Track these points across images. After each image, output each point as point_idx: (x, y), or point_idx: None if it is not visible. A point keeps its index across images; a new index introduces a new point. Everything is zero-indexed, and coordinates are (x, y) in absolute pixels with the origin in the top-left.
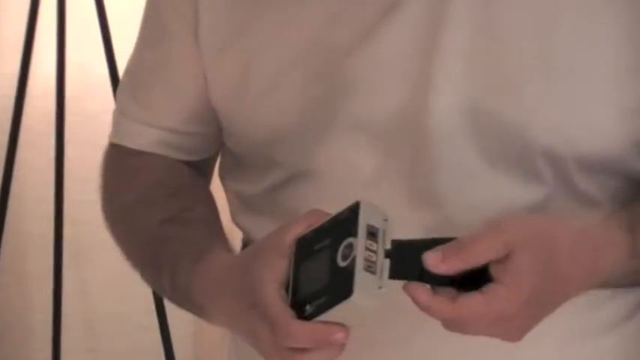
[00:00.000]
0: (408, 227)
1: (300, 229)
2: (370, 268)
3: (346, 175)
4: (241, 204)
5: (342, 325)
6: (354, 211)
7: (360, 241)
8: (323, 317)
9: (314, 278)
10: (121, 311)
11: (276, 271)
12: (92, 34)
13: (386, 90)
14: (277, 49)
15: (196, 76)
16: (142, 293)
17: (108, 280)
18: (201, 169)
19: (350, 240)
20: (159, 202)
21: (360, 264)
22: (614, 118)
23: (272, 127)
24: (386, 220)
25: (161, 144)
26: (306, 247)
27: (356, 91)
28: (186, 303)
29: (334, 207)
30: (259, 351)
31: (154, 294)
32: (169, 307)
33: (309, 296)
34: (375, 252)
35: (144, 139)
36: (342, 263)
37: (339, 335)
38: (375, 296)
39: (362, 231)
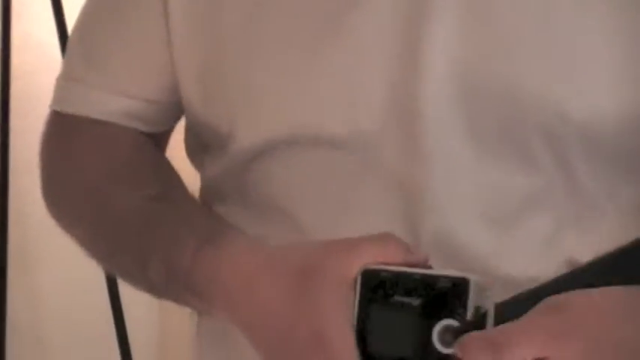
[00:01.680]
0: (392, 215)
1: (371, 256)
2: None
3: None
4: (204, 188)
5: None
6: (460, 286)
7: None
8: None
9: (392, 338)
10: (75, 320)
11: (348, 310)
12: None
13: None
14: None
15: (162, 39)
16: (99, 300)
17: (60, 286)
18: (159, 144)
19: (453, 324)
20: (137, 179)
21: None
22: (612, 88)
23: (247, 87)
24: (490, 292)
25: (125, 114)
26: (380, 290)
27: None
28: (185, 293)
29: (310, 196)
30: None
31: (112, 301)
32: (129, 315)
33: (383, 359)
34: None
35: (106, 107)
36: (440, 347)
37: None
38: None
39: (470, 319)
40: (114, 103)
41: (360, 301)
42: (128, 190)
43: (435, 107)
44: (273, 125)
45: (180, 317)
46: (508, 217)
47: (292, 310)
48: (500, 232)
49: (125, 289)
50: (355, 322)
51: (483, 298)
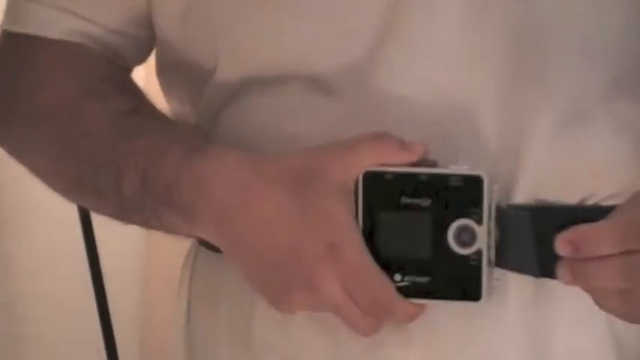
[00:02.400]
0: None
1: (369, 156)
2: (490, 259)
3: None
4: None
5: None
6: (473, 184)
7: (485, 233)
8: (420, 301)
9: (405, 242)
10: (52, 293)
11: (352, 214)
12: None
13: None
14: None
15: None
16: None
17: (36, 255)
18: None
19: (469, 224)
20: (108, 94)
21: (485, 261)
22: None
23: (235, 20)
24: (496, 187)
25: (87, 36)
26: (387, 193)
27: None
28: (163, 209)
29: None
30: (289, 292)
31: (93, 273)
32: (111, 287)
33: (398, 263)
34: (490, 234)
35: (61, 26)
36: (457, 249)
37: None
38: (491, 292)
39: (486, 218)
40: (74, 23)
41: (365, 206)
42: (100, 104)
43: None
44: (260, 58)
45: (163, 292)
46: None
47: (297, 220)
48: None
49: (107, 259)
50: (361, 227)
51: (493, 192)
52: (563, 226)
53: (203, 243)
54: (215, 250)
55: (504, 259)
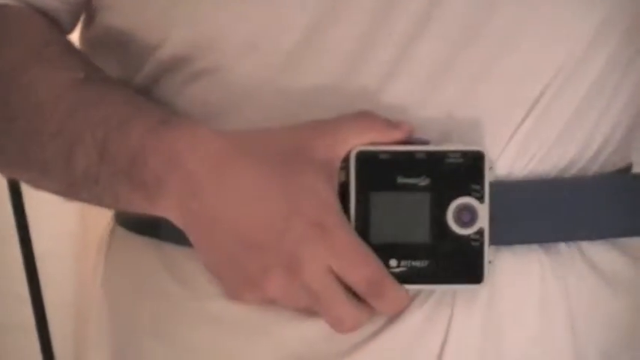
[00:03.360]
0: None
1: (357, 133)
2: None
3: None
4: None
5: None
6: (474, 160)
7: (487, 212)
8: (418, 287)
9: (401, 224)
10: None
11: (336, 194)
12: None
13: None
14: None
15: None
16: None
17: None
18: None
19: (470, 202)
20: (61, 62)
21: (487, 240)
22: None
23: None
24: (491, 168)
25: (32, 3)
26: (382, 173)
27: None
28: (120, 184)
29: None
30: (265, 275)
31: (25, 256)
32: (44, 271)
33: (394, 248)
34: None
35: None
36: (457, 229)
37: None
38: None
39: (487, 196)
40: None
41: (358, 187)
42: (47, 72)
43: None
44: (210, 26)
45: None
46: None
47: (280, 198)
48: None
49: (40, 241)
50: (354, 210)
51: (490, 170)
52: (556, 194)
53: (121, 220)
54: (135, 229)
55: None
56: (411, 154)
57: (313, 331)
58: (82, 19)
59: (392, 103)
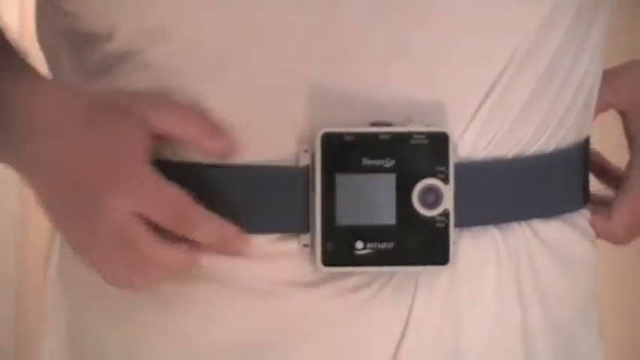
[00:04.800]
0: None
1: (171, 120)
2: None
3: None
4: None
5: None
6: (438, 142)
7: (452, 193)
8: (385, 269)
9: (367, 206)
10: None
11: (145, 149)
12: None
13: None
14: None
15: None
16: None
17: None
18: None
19: (435, 183)
20: None
21: (453, 221)
22: None
23: None
24: (455, 150)
25: None
26: (347, 155)
27: None
28: None
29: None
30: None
31: None
32: None
33: (360, 230)
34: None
35: None
36: (423, 211)
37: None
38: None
39: (452, 177)
40: None
41: (324, 169)
42: None
43: None
44: (159, 15)
45: (40, 256)
46: None
47: (94, 145)
48: None
49: None
50: (320, 192)
51: (455, 151)
52: (513, 175)
53: None
54: None
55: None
56: (375, 135)
57: (264, 316)
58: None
59: (350, 86)
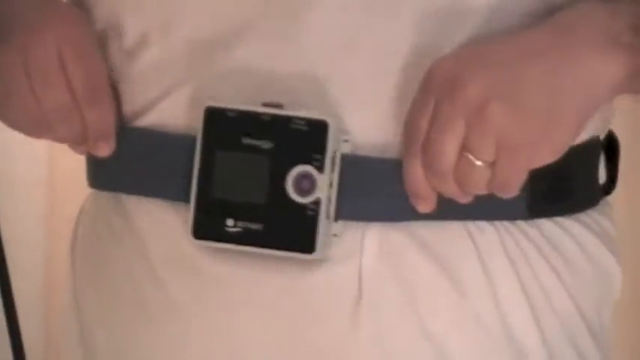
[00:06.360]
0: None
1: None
2: (329, 212)
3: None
4: None
5: None
6: (318, 129)
7: (326, 183)
8: (252, 249)
9: (241, 185)
10: None
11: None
12: None
13: None
14: None
15: None
16: None
17: None
18: None
19: (310, 171)
20: None
21: (323, 212)
22: None
23: None
24: (346, 141)
25: None
26: (228, 132)
27: None
28: None
29: None
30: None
31: None
32: (12, 256)
33: (232, 207)
34: (331, 186)
35: None
36: (295, 197)
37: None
38: (328, 246)
39: (328, 166)
40: None
41: (204, 143)
42: None
43: None
44: (153, 14)
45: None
46: None
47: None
48: None
49: (6, 226)
50: (198, 165)
51: (338, 140)
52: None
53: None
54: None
55: (347, 209)
56: (257, 115)
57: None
58: None
59: (245, 64)
